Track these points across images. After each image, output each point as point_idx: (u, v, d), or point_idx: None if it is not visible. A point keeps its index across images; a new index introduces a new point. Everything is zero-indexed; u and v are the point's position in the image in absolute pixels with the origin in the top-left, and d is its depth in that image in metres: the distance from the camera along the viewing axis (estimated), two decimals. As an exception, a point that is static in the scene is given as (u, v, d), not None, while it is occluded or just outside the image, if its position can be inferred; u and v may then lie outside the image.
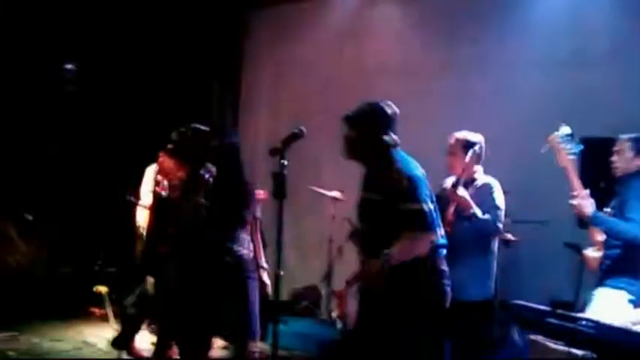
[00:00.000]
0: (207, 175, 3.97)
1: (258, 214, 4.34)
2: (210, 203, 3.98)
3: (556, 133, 3.84)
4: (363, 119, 3.46)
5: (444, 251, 3.43)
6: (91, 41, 6.90)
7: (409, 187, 3.27)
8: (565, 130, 3.83)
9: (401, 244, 3.23)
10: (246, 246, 4.11)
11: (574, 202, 3.75)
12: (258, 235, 4.35)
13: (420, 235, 3.26)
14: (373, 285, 3.33)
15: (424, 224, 3.26)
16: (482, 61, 6.28)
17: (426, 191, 3.33)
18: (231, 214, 4.06)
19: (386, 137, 3.41)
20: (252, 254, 4.17)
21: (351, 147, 3.49)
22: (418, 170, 3.39)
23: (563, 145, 3.80)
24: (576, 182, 3.77)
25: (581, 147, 3.85)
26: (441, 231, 3.43)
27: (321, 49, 7.32)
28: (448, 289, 3.38)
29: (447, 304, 3.38)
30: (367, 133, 3.43)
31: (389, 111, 3.47)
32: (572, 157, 3.80)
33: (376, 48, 7.04)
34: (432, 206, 3.32)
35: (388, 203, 3.29)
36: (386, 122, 3.44)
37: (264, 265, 4.37)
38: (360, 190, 3.52)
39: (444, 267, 3.40)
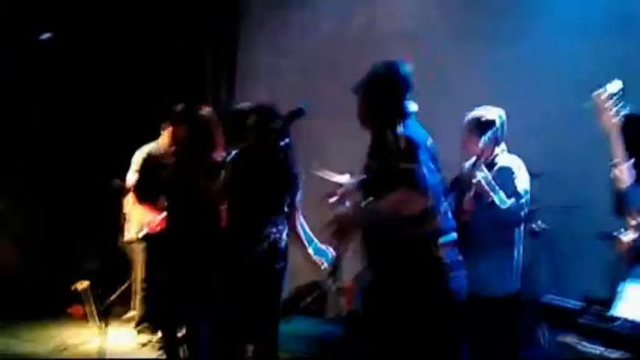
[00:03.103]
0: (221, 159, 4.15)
1: (298, 199, 4.41)
2: (246, 186, 4.12)
3: (603, 89, 3.68)
4: (376, 83, 3.53)
5: (453, 235, 3.48)
6: (72, 7, 6.89)
7: (406, 149, 3.32)
8: (616, 85, 3.68)
9: (389, 197, 3.29)
10: (282, 232, 4.20)
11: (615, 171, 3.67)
12: (298, 224, 4.41)
13: (411, 193, 3.28)
14: (345, 228, 3.45)
15: (417, 183, 3.28)
16: (509, 25, 6.23)
17: (425, 157, 3.36)
18: (269, 199, 4.19)
19: (400, 104, 3.48)
20: (287, 243, 4.25)
21: (363, 114, 3.57)
22: (423, 138, 3.44)
23: (610, 105, 3.65)
24: (620, 150, 3.63)
25: (627, 109, 3.77)
26: (444, 212, 3.48)
27: (327, 12, 7.32)
28: (461, 281, 3.42)
29: (461, 298, 3.42)
30: (380, 98, 3.52)
31: (405, 72, 3.53)
32: (618, 118, 3.64)
33: (390, 11, 7.03)
34: (430, 172, 3.34)
35: (386, 169, 3.36)
36: (401, 86, 3.51)
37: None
38: (365, 158, 3.60)
39: (450, 255, 3.43)
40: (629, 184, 3.64)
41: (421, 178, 3.28)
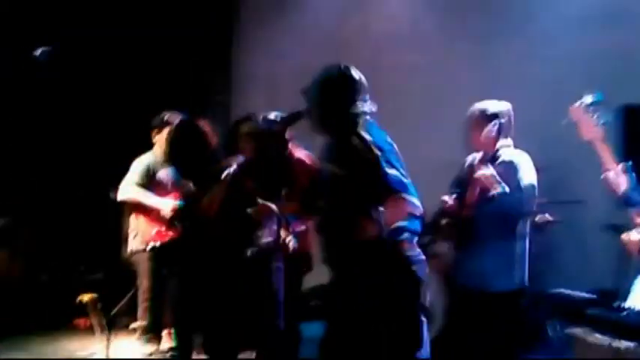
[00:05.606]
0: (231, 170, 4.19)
1: None
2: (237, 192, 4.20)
3: (578, 103, 3.84)
4: (323, 88, 3.52)
5: (415, 238, 3.51)
6: (67, 19, 6.95)
7: (383, 157, 3.35)
8: (588, 98, 3.83)
9: (388, 208, 3.31)
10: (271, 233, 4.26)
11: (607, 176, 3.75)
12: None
13: (404, 198, 3.33)
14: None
15: (405, 188, 3.34)
16: (504, 22, 6.28)
17: (400, 163, 3.41)
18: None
19: (352, 106, 3.46)
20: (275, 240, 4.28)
21: (316, 121, 3.56)
22: (388, 142, 3.47)
23: (588, 116, 3.79)
24: (608, 156, 3.75)
25: (611, 116, 3.86)
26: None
27: (322, 15, 7.36)
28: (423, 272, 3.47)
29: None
30: (330, 103, 3.49)
31: (352, 75, 3.52)
32: (599, 127, 3.79)
33: (384, 12, 7.07)
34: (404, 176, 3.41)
35: (355, 176, 3.36)
36: (350, 88, 3.50)
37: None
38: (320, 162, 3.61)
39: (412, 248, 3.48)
40: (626, 187, 3.71)
41: (406, 183, 3.36)
